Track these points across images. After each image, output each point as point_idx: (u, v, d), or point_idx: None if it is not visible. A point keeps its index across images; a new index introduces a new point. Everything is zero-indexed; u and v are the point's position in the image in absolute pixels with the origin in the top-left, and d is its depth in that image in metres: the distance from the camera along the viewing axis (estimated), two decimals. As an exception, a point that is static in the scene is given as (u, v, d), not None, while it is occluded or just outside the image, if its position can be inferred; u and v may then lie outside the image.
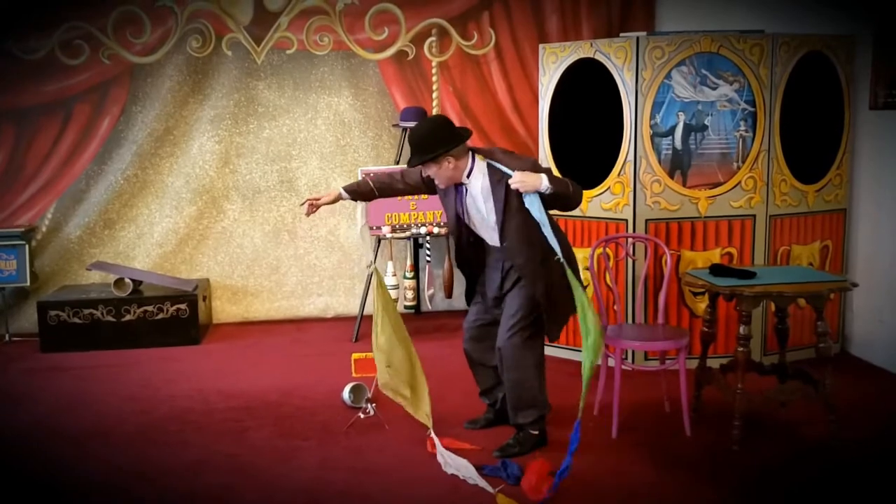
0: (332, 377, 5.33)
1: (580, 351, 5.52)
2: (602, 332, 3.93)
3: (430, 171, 4.02)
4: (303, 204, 4.40)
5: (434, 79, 6.61)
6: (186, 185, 6.77)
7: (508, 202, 3.97)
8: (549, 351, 4.54)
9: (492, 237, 4.12)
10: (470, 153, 4.03)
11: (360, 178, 6.10)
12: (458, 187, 4.08)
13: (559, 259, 3.91)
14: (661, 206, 5.21)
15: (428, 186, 4.26)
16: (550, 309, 4.06)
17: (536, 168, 3.98)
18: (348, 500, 3.70)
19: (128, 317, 6.23)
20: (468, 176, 4.02)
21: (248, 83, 6.75)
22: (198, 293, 6.36)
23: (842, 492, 3.72)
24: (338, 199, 4.36)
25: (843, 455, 4.07)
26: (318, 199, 4.35)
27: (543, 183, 3.86)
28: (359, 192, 4.37)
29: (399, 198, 6.00)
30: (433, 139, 3.94)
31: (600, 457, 4.06)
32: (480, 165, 4.02)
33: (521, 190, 3.87)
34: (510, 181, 3.90)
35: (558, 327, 4.18)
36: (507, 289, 4.17)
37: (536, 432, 4.17)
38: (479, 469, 3.90)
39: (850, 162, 5.64)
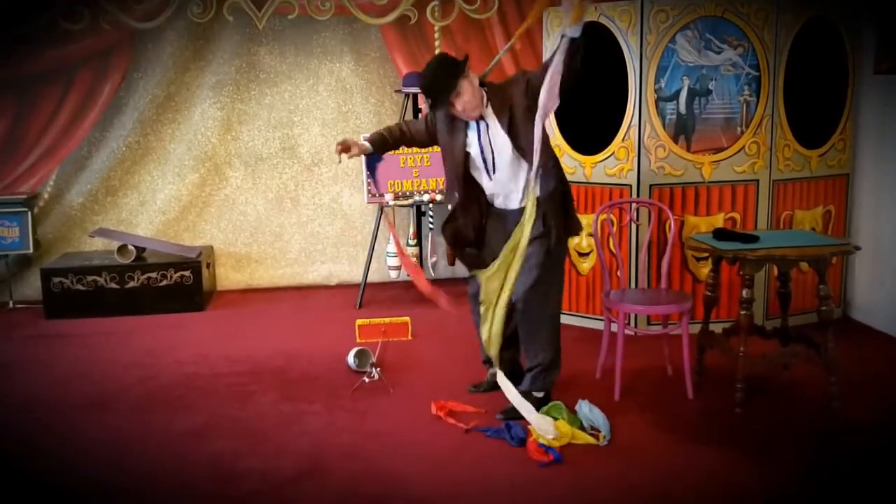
0: (336, 343, 5.36)
1: (581, 316, 5.56)
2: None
3: (460, 101, 3.91)
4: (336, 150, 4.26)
5: (437, 43, 6.56)
6: (188, 152, 6.75)
7: (516, 124, 3.94)
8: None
9: (504, 177, 4.05)
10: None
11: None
12: (478, 123, 4.01)
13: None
14: (665, 171, 5.20)
15: (431, 136, 4.22)
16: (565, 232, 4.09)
17: (525, 76, 3.99)
18: (353, 462, 3.73)
19: (131, 283, 6.24)
20: (487, 105, 3.98)
21: (250, 49, 6.72)
22: (201, 260, 6.37)
23: (843, 454, 3.75)
24: (365, 150, 4.28)
25: (845, 417, 4.10)
26: (350, 149, 4.21)
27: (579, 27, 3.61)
28: (376, 142, 4.31)
29: (402, 157, 6.07)
30: (446, 69, 3.92)
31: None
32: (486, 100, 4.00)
33: (572, 23, 3.59)
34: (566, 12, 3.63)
35: (565, 235, 4.17)
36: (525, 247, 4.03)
37: (542, 395, 4.18)
38: (483, 431, 3.95)
39: (854, 127, 5.62)
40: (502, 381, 4.03)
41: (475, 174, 4.14)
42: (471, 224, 4.21)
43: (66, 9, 6.19)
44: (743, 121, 5.21)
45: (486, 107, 4.00)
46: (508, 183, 4.08)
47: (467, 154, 4.08)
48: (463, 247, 4.27)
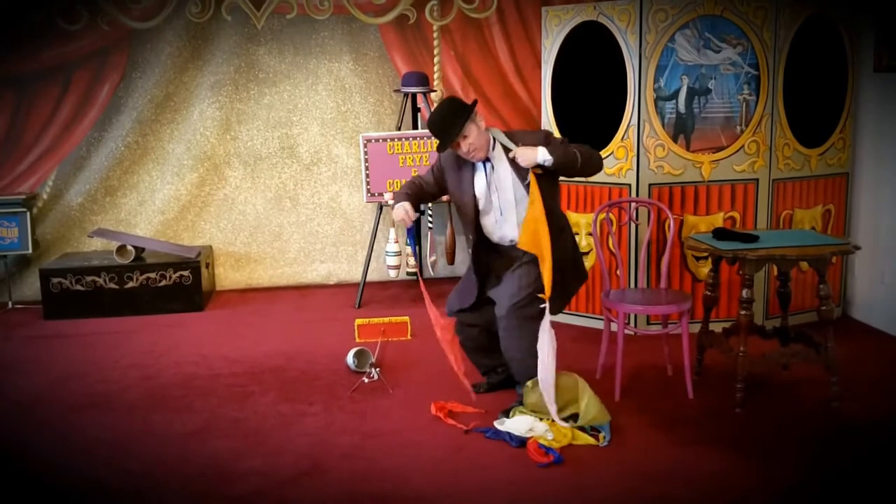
0: (335, 343, 5.35)
1: (581, 315, 5.55)
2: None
3: (465, 142, 4.00)
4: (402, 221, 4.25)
5: (435, 43, 6.55)
6: (187, 152, 6.74)
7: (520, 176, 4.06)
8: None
9: (511, 218, 4.13)
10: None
11: (361, 144, 6.14)
12: (484, 164, 4.10)
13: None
14: (665, 171, 5.19)
15: (438, 182, 4.28)
16: (559, 284, 4.05)
17: (549, 139, 4.03)
18: (353, 462, 3.73)
19: (130, 284, 6.24)
20: (493, 149, 4.08)
21: (249, 48, 6.71)
22: (201, 260, 6.37)
23: (843, 453, 3.74)
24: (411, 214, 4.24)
25: (844, 417, 4.10)
26: (409, 216, 4.19)
27: (541, 155, 3.92)
28: (419, 197, 4.30)
29: (400, 157, 6.16)
30: (454, 112, 4.00)
31: (603, 420, 4.08)
32: (493, 143, 4.11)
33: (521, 163, 3.95)
34: (510, 154, 3.99)
35: (563, 303, 4.23)
36: (518, 264, 4.17)
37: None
38: (483, 432, 3.94)
39: (853, 125, 5.61)
40: (503, 426, 4.01)
41: (483, 218, 4.22)
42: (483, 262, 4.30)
43: (64, 8, 6.18)
44: (742, 120, 5.21)
45: (493, 149, 4.09)
46: (506, 225, 4.17)
47: (475, 197, 4.15)
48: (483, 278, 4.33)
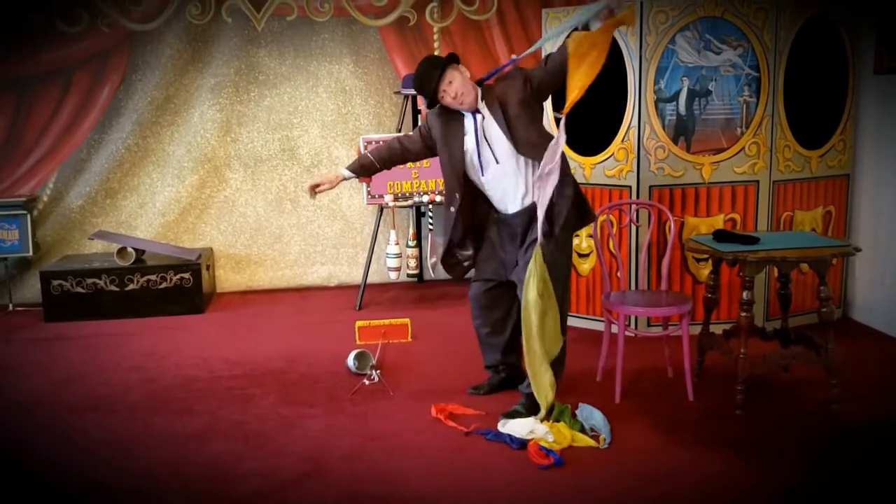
0: (336, 345, 5.35)
1: (581, 317, 5.55)
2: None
3: (451, 88, 3.97)
4: (306, 190, 4.39)
5: (436, 45, 6.56)
6: (188, 154, 6.75)
7: (509, 114, 3.99)
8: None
9: (510, 167, 4.04)
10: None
11: (361, 146, 6.11)
12: (474, 115, 4.03)
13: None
14: (665, 173, 5.20)
15: (428, 145, 4.24)
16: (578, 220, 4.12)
17: (531, 71, 4.06)
18: (353, 465, 3.73)
19: (131, 286, 6.24)
20: (481, 99, 4.03)
21: (249, 51, 6.71)
22: (201, 262, 6.37)
23: (843, 455, 3.74)
24: (339, 179, 4.35)
25: (845, 418, 4.10)
26: (320, 185, 4.33)
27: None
28: (361, 168, 4.35)
29: (401, 166, 5.99)
30: (434, 64, 4.01)
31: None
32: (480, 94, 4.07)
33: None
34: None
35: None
36: (529, 240, 4.05)
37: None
38: (484, 434, 3.94)
39: (854, 127, 5.61)
40: (505, 428, 4.00)
41: (473, 175, 4.14)
42: (469, 227, 4.22)
43: (63, 11, 6.18)
44: (743, 121, 5.21)
45: (482, 100, 4.04)
46: (505, 179, 4.06)
47: (465, 153, 4.09)
48: (455, 251, 4.28)
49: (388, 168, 4.47)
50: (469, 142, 4.07)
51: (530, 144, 3.96)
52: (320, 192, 4.38)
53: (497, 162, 4.04)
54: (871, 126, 5.53)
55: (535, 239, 3.94)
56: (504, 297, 4.26)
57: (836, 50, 5.44)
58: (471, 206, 4.20)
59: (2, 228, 6.37)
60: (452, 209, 4.19)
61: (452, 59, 4.05)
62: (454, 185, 4.15)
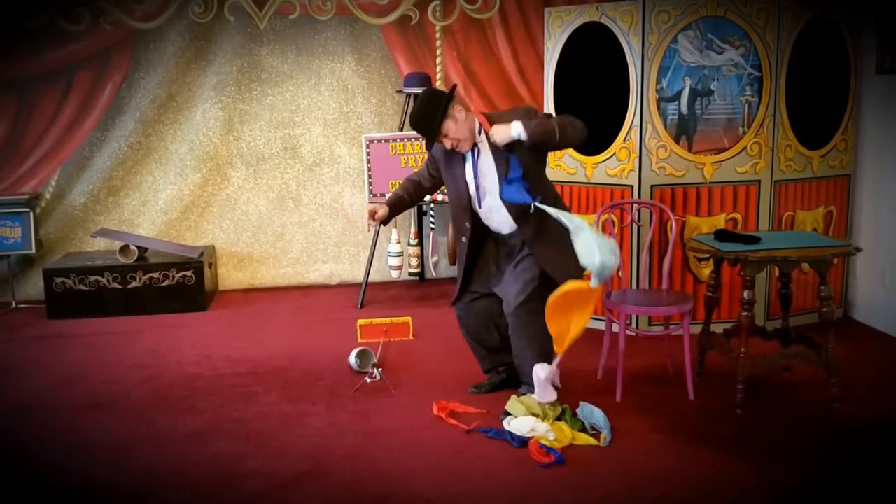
0: (338, 343, 5.36)
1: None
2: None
3: (447, 140, 4.01)
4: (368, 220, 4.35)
5: (438, 44, 6.57)
6: (190, 152, 6.76)
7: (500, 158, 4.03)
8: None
9: (498, 204, 4.12)
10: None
11: (363, 145, 6.16)
12: (472, 152, 4.09)
13: (536, 206, 3.97)
14: (667, 172, 5.20)
15: (432, 175, 4.31)
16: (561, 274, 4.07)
17: (530, 115, 4.00)
18: (355, 463, 3.74)
19: (133, 284, 6.25)
20: (480, 132, 4.07)
21: (251, 49, 6.72)
22: (203, 260, 6.38)
23: (844, 455, 3.75)
24: (387, 215, 4.33)
25: (845, 418, 4.11)
26: (376, 214, 4.28)
27: (515, 130, 3.86)
28: (397, 204, 4.37)
29: (402, 157, 6.20)
30: (434, 102, 3.98)
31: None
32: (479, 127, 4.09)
33: (495, 141, 3.90)
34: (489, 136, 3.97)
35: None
36: (521, 256, 4.17)
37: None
38: (485, 432, 3.96)
39: (856, 127, 5.62)
40: (508, 425, 4.01)
41: (473, 205, 4.22)
42: (478, 252, 4.31)
43: (66, 9, 6.19)
44: (745, 121, 5.21)
45: (480, 133, 4.07)
46: (501, 210, 4.13)
47: (467, 185, 4.16)
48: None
49: (418, 201, 4.63)
50: (469, 174, 4.15)
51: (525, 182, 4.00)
52: (380, 218, 4.30)
53: (485, 197, 4.14)
54: (873, 126, 5.53)
55: (528, 254, 4.09)
56: (486, 308, 4.33)
57: (837, 50, 5.44)
58: (479, 232, 4.28)
59: (5, 226, 6.39)
60: (464, 239, 4.27)
61: (451, 97, 4.01)
62: (462, 216, 4.24)
